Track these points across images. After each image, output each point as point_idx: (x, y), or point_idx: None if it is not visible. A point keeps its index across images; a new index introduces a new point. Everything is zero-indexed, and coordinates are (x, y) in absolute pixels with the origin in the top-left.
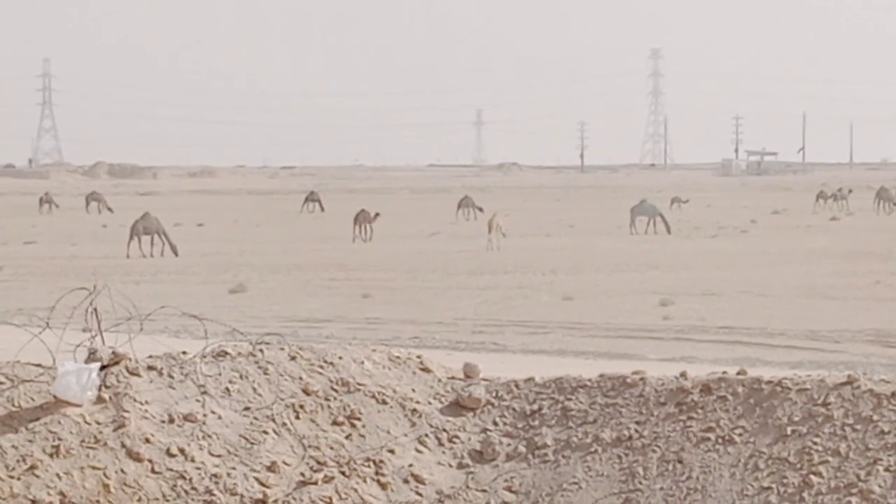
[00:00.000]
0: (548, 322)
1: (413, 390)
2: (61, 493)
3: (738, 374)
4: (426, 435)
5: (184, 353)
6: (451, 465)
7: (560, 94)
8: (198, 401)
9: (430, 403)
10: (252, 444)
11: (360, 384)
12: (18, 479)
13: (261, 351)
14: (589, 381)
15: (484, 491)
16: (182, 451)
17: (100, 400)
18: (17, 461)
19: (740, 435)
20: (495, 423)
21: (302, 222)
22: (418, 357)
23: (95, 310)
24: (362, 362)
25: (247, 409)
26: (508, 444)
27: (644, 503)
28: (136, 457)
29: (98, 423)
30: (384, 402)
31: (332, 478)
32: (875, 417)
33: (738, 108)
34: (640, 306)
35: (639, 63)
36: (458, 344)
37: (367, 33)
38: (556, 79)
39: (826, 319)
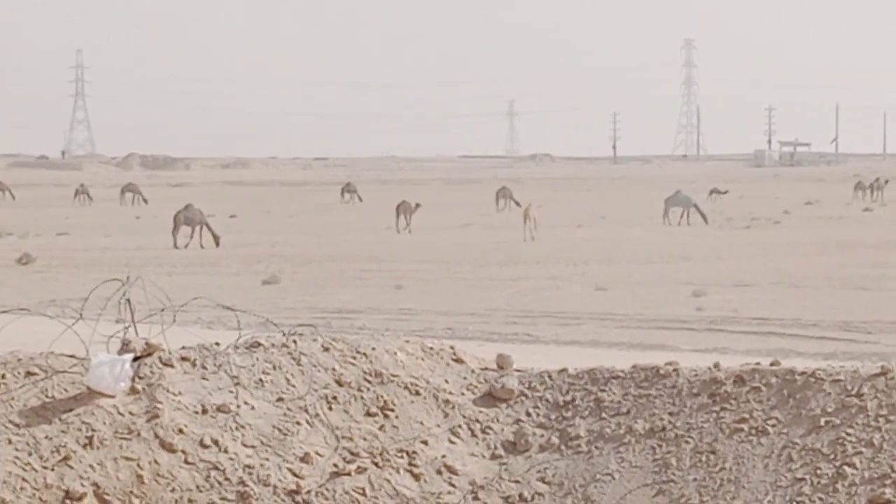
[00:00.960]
0: (580, 313)
1: (446, 381)
2: (95, 484)
3: (772, 364)
4: (459, 426)
5: (217, 344)
6: (484, 457)
7: (593, 84)
8: (231, 392)
9: (463, 394)
10: (285, 434)
11: (393, 375)
12: (52, 469)
13: (294, 342)
14: (622, 372)
15: (517, 482)
16: (215, 441)
17: (133, 391)
18: (51, 452)
19: (773, 426)
20: (528, 414)
21: (334, 214)
22: (451, 348)
23: (129, 301)
24: (395, 353)
25: (280, 399)
26: (542, 436)
27: (677, 494)
28: (169, 448)
29: (131, 414)
30: (417, 393)
31: (365, 469)
32: None
33: (770, 98)
34: (673, 297)
35: (672, 53)
36: (491, 335)
37: (401, 25)
38: (588, 69)
39: (859, 310)
